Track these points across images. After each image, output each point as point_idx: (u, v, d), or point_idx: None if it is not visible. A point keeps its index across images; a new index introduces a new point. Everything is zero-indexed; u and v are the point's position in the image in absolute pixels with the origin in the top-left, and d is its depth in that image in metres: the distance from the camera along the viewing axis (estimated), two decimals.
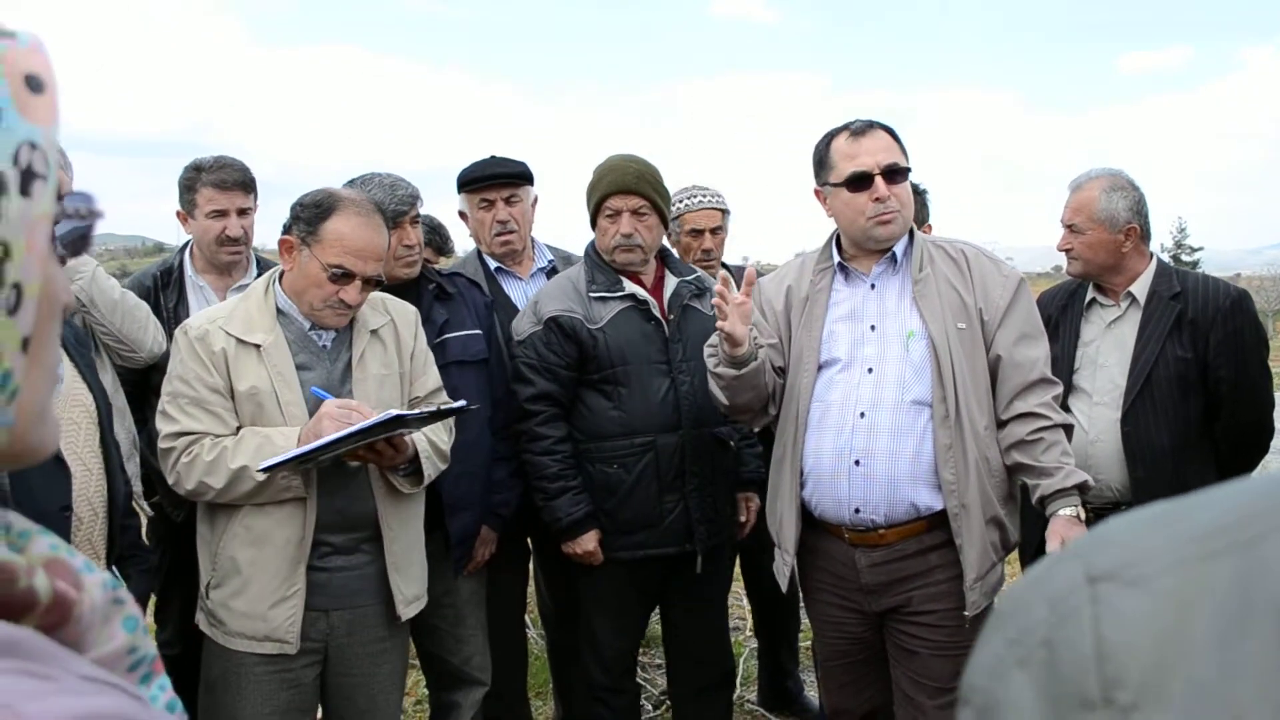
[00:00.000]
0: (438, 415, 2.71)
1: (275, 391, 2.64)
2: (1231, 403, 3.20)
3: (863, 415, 2.72)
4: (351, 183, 3.18)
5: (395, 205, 3.13)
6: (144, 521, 3.36)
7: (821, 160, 2.88)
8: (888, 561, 2.75)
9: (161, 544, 3.48)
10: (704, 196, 4.03)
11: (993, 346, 2.74)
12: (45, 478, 2.16)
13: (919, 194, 3.81)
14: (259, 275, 3.35)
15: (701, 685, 3.53)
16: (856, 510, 2.72)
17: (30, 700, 0.46)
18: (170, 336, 2.99)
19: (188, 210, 3.51)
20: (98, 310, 3.11)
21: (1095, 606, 0.47)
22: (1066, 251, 3.35)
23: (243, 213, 3.52)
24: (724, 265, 4.11)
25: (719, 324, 2.68)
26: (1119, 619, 0.46)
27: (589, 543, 3.24)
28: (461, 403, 2.77)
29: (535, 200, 3.77)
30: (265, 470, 2.51)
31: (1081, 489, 2.64)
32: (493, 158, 3.74)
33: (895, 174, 2.77)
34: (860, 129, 2.82)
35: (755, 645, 4.63)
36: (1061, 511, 2.61)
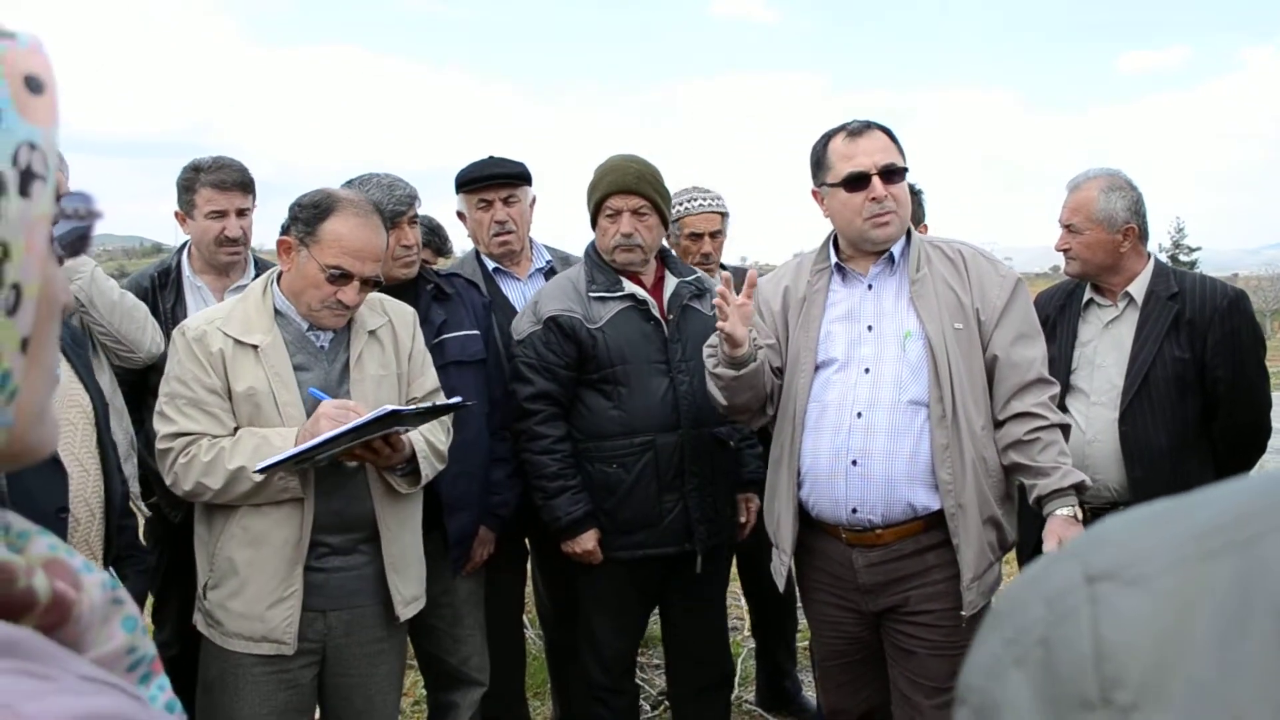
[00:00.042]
0: (434, 411, 2.70)
1: (273, 392, 2.63)
2: (1229, 403, 3.20)
3: (860, 415, 2.73)
4: (350, 183, 3.18)
5: (393, 205, 3.13)
6: (141, 522, 3.36)
7: (819, 161, 2.88)
8: (885, 561, 2.75)
9: (159, 545, 3.48)
10: (704, 200, 4.03)
11: (990, 346, 2.75)
12: (42, 479, 2.16)
13: (914, 194, 3.82)
14: (256, 276, 3.35)
15: (701, 685, 3.53)
16: (854, 510, 2.72)
17: (30, 700, 0.47)
18: (168, 337, 2.99)
19: (186, 211, 3.51)
20: (96, 311, 3.11)
21: (1093, 606, 0.46)
22: (1064, 251, 3.35)
23: (241, 213, 3.52)
24: (722, 266, 4.12)
25: (719, 324, 2.69)
26: (1117, 618, 0.46)
27: (588, 542, 3.24)
28: (457, 399, 2.77)
29: (533, 201, 3.77)
30: (262, 471, 2.51)
31: (1078, 489, 2.65)
32: (491, 158, 3.74)
33: (892, 174, 2.77)
34: (857, 129, 2.82)
35: (753, 645, 4.63)
36: (1059, 511, 2.61)
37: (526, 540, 3.78)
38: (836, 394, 2.77)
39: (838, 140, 2.83)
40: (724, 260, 4.21)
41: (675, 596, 3.46)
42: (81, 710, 0.48)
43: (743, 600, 4.65)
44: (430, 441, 2.81)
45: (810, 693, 4.30)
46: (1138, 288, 3.28)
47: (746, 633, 4.68)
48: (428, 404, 2.75)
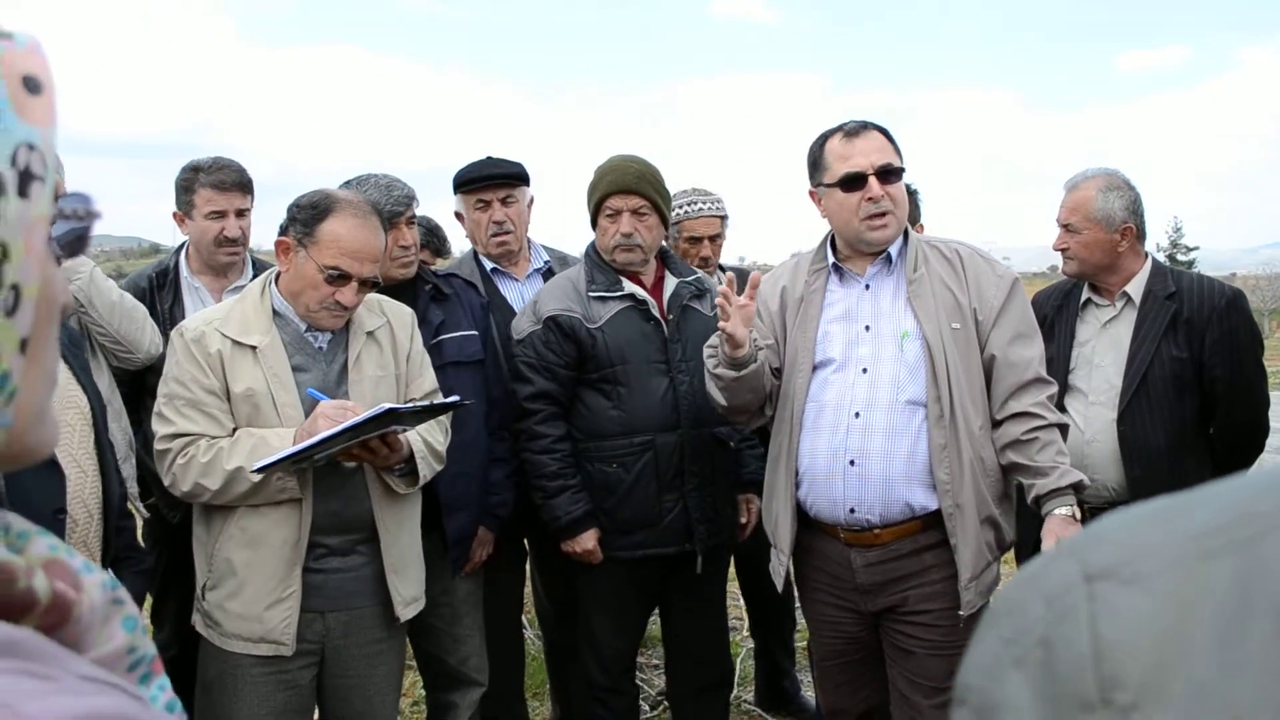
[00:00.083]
0: (431, 410, 2.71)
1: (271, 393, 2.63)
2: (1227, 402, 3.21)
3: (857, 415, 2.73)
4: (348, 184, 3.17)
5: (391, 206, 3.13)
6: (140, 523, 3.36)
7: (816, 161, 2.88)
8: (883, 561, 2.76)
9: (158, 545, 3.48)
10: (704, 203, 4.03)
11: (987, 346, 2.75)
12: (39, 480, 2.16)
13: (910, 194, 3.83)
14: (254, 277, 3.35)
15: (701, 685, 3.53)
16: (851, 510, 2.73)
17: (30, 700, 0.47)
18: (166, 338, 2.99)
19: (185, 211, 3.51)
20: (96, 311, 3.11)
21: (1092, 605, 0.46)
22: (1062, 251, 3.36)
23: (241, 214, 3.52)
24: (720, 267, 4.12)
25: (720, 325, 2.69)
26: (1117, 618, 0.45)
27: (588, 541, 3.25)
28: (455, 398, 2.77)
29: (531, 201, 3.78)
30: (260, 470, 2.51)
31: (1077, 488, 2.65)
32: (489, 158, 3.74)
33: (889, 174, 2.77)
34: (854, 130, 2.82)
35: (752, 645, 4.63)
36: (1057, 511, 2.62)
37: (525, 540, 3.78)
38: (834, 394, 2.77)
39: (834, 141, 2.83)
40: (722, 260, 4.21)
41: (675, 597, 3.46)
42: (82, 710, 0.48)
43: (741, 600, 4.65)
44: (428, 442, 2.81)
45: (809, 693, 4.30)
46: (1135, 287, 3.28)
47: (745, 633, 4.68)
48: (425, 403, 2.75)
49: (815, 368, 2.81)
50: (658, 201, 3.33)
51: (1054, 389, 2.79)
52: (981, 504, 2.69)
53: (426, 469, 2.80)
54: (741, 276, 3.24)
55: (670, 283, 3.40)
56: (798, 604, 3.44)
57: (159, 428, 2.65)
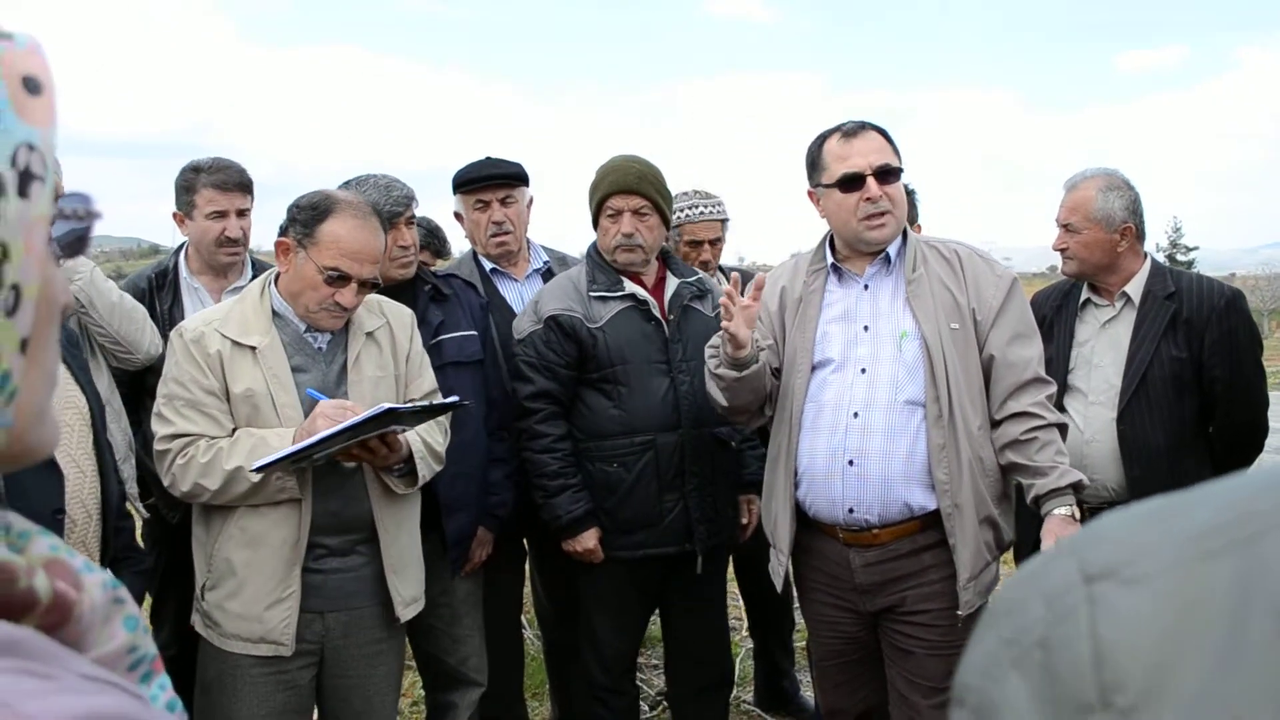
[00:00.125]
0: (431, 410, 2.71)
1: (271, 394, 2.63)
2: (1226, 402, 3.21)
3: (856, 415, 2.73)
4: (347, 184, 3.18)
5: (390, 206, 3.13)
6: (139, 523, 3.36)
7: (814, 162, 2.88)
8: (881, 561, 2.76)
9: (157, 546, 3.48)
10: (705, 207, 4.03)
11: (986, 346, 2.75)
12: (38, 481, 2.16)
13: (908, 194, 3.83)
14: (254, 277, 3.36)
15: (701, 686, 3.53)
16: (850, 510, 2.73)
17: (31, 699, 0.47)
18: (166, 338, 2.99)
19: (186, 211, 3.51)
20: (96, 312, 3.11)
21: (1092, 606, 0.46)
22: (1062, 251, 3.36)
23: (242, 214, 3.53)
24: (720, 268, 4.12)
25: (724, 325, 2.69)
26: (1116, 619, 0.45)
27: (589, 540, 3.25)
28: (454, 398, 2.77)
29: (531, 201, 3.78)
30: (259, 470, 2.51)
31: (1076, 488, 2.65)
32: (488, 159, 3.74)
33: (887, 174, 2.77)
34: (852, 130, 2.83)
35: (751, 645, 4.63)
36: (1056, 511, 2.62)
37: (524, 540, 3.78)
38: (833, 394, 2.77)
39: (833, 141, 2.84)
40: (722, 261, 4.21)
41: (675, 597, 3.46)
42: (83, 709, 0.48)
43: (739, 600, 4.65)
44: (427, 442, 2.81)
45: (809, 692, 4.30)
46: (1135, 287, 3.28)
47: (744, 633, 4.68)
48: (424, 403, 2.75)
49: (814, 368, 2.82)
50: (659, 202, 3.33)
51: (1053, 389, 2.79)
52: (980, 504, 2.69)
53: (426, 469, 2.80)
54: (745, 278, 3.25)
55: (671, 283, 3.40)
56: (797, 604, 3.44)
57: (158, 428, 2.65)
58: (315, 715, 2.90)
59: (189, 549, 2.79)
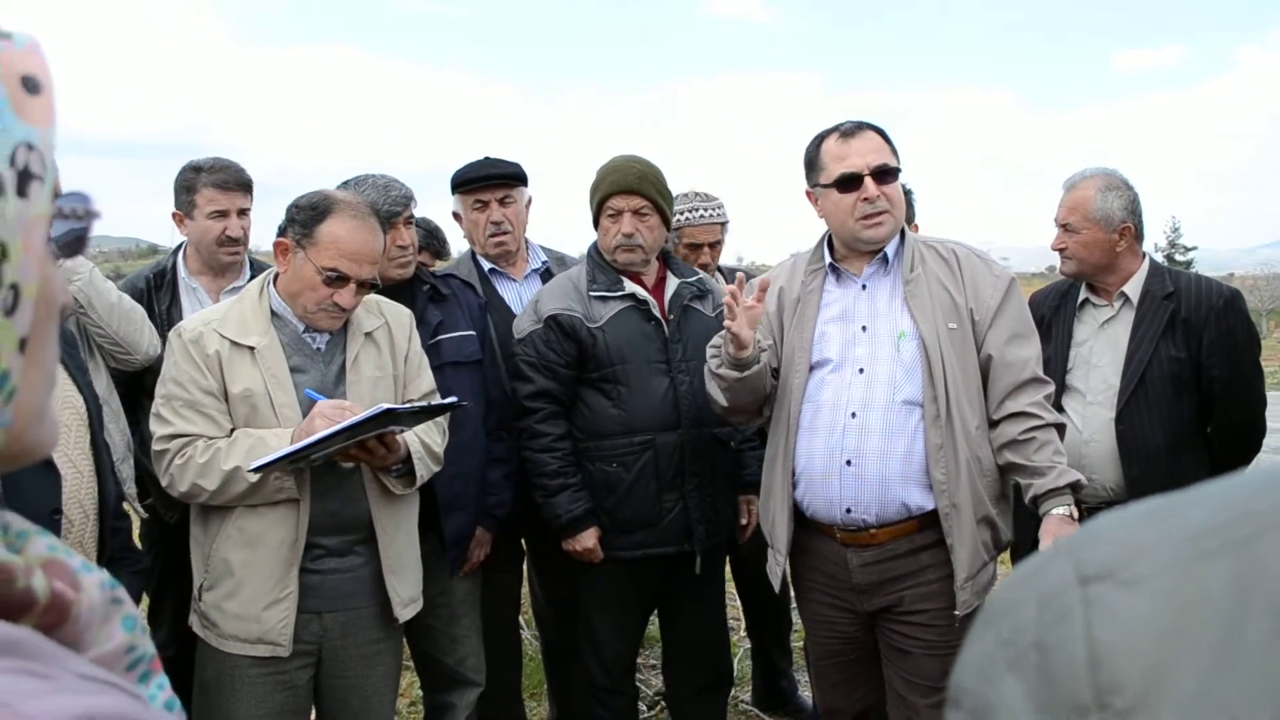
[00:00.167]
0: (429, 411, 2.71)
1: (269, 394, 2.63)
2: (1225, 402, 3.21)
3: (854, 415, 2.73)
4: (345, 184, 3.18)
5: (389, 206, 3.13)
6: (137, 523, 3.36)
7: (812, 162, 2.89)
8: (879, 561, 2.76)
9: (155, 546, 3.48)
10: (705, 210, 4.03)
11: (984, 346, 2.75)
12: (35, 481, 2.16)
13: (905, 194, 3.83)
14: (252, 277, 3.36)
15: (700, 686, 3.54)
16: (848, 510, 2.73)
17: (29, 699, 0.47)
18: (164, 339, 2.99)
19: (186, 211, 3.51)
20: (95, 313, 3.11)
21: (1088, 608, 0.46)
22: (1060, 251, 3.36)
23: (242, 213, 3.54)
24: (719, 269, 4.12)
25: (726, 324, 2.69)
26: (1113, 620, 0.45)
27: (588, 540, 3.25)
28: (452, 399, 2.77)
29: (529, 201, 3.77)
30: (257, 470, 2.50)
31: (1074, 488, 2.65)
32: (486, 159, 3.74)
33: (885, 174, 2.78)
34: (850, 130, 2.83)
35: (749, 645, 4.63)
36: (1054, 511, 2.62)
37: (522, 541, 3.78)
38: (831, 394, 2.77)
39: (830, 141, 2.84)
40: (721, 261, 4.21)
41: (675, 597, 3.46)
42: (81, 709, 0.48)
43: (737, 600, 4.65)
44: (426, 443, 2.81)
45: (807, 692, 4.30)
46: (1133, 287, 3.29)
47: (742, 633, 4.68)
48: (423, 404, 2.75)
49: (812, 368, 2.82)
50: (659, 202, 3.33)
51: (1051, 389, 2.79)
52: (978, 504, 2.69)
53: (424, 470, 2.79)
54: (745, 277, 3.24)
55: (672, 283, 3.41)
56: (794, 604, 3.44)
57: (156, 428, 2.65)
58: (313, 715, 2.90)
59: (187, 549, 2.79)
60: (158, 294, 3.51)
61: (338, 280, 2.63)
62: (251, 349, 2.65)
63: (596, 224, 3.40)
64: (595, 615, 3.41)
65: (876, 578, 2.77)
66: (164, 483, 2.66)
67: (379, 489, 2.74)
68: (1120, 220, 3.25)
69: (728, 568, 4.00)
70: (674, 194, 3.60)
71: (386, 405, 2.49)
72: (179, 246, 3.65)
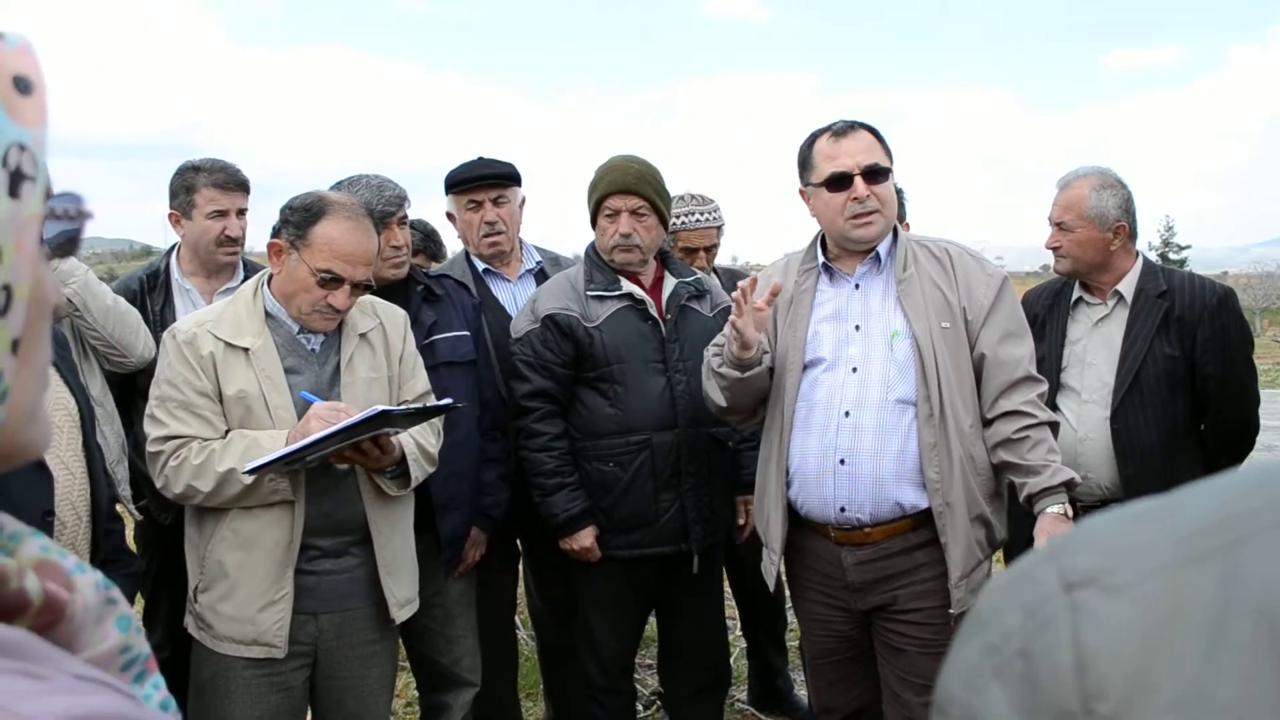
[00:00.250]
0: (424, 413, 2.70)
1: (264, 395, 2.63)
2: (1219, 400, 3.22)
3: (847, 414, 2.73)
4: (339, 184, 3.18)
5: (383, 206, 3.13)
6: (132, 525, 3.35)
7: (804, 161, 2.89)
8: (874, 560, 2.76)
9: (150, 548, 3.47)
10: (701, 214, 4.03)
11: (977, 345, 2.75)
12: (27, 482, 2.15)
13: (896, 193, 3.83)
14: (245, 278, 3.35)
15: (698, 686, 3.54)
16: (842, 509, 2.73)
17: (24, 699, 0.47)
18: (157, 340, 2.98)
19: (184, 211, 3.51)
20: (90, 316, 3.11)
21: (1073, 614, 0.46)
22: (1054, 249, 3.37)
23: (241, 213, 3.54)
24: (715, 270, 4.13)
25: (733, 319, 2.69)
26: (1098, 627, 0.45)
27: (586, 539, 3.25)
28: (448, 400, 2.77)
29: (523, 201, 3.77)
30: (252, 471, 2.50)
31: (1068, 486, 2.66)
32: (480, 159, 3.74)
33: (876, 174, 2.78)
34: (842, 130, 2.83)
35: (744, 645, 4.63)
36: (1049, 509, 2.62)
37: (518, 541, 3.78)
38: (824, 393, 2.78)
39: (822, 140, 2.84)
40: (716, 262, 4.22)
41: (673, 597, 3.46)
42: (77, 709, 0.48)
43: (732, 599, 4.65)
44: (420, 444, 2.80)
45: (803, 691, 4.30)
46: (1127, 286, 3.30)
47: (738, 632, 4.69)
48: (418, 405, 2.74)
49: (805, 367, 2.82)
50: (657, 202, 3.33)
51: (1044, 387, 2.80)
52: (972, 502, 2.69)
53: (418, 471, 2.79)
54: (734, 277, 3.24)
55: (669, 283, 3.41)
56: (789, 602, 3.44)
57: (151, 429, 2.65)
58: (309, 717, 2.90)
59: (181, 551, 2.78)
60: (151, 295, 3.51)
61: (332, 282, 2.63)
62: (246, 350, 2.64)
63: (594, 223, 3.40)
64: (592, 615, 3.41)
65: (871, 576, 2.77)
66: (158, 484, 2.65)
67: (374, 490, 2.73)
68: (1114, 219, 3.26)
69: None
70: (671, 194, 3.60)
71: (382, 407, 2.49)
72: (172, 247, 3.65)
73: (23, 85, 0.60)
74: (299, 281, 2.65)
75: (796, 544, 2.89)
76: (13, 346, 0.60)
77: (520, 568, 3.94)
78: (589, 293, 3.29)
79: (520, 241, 3.81)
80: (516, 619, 4.11)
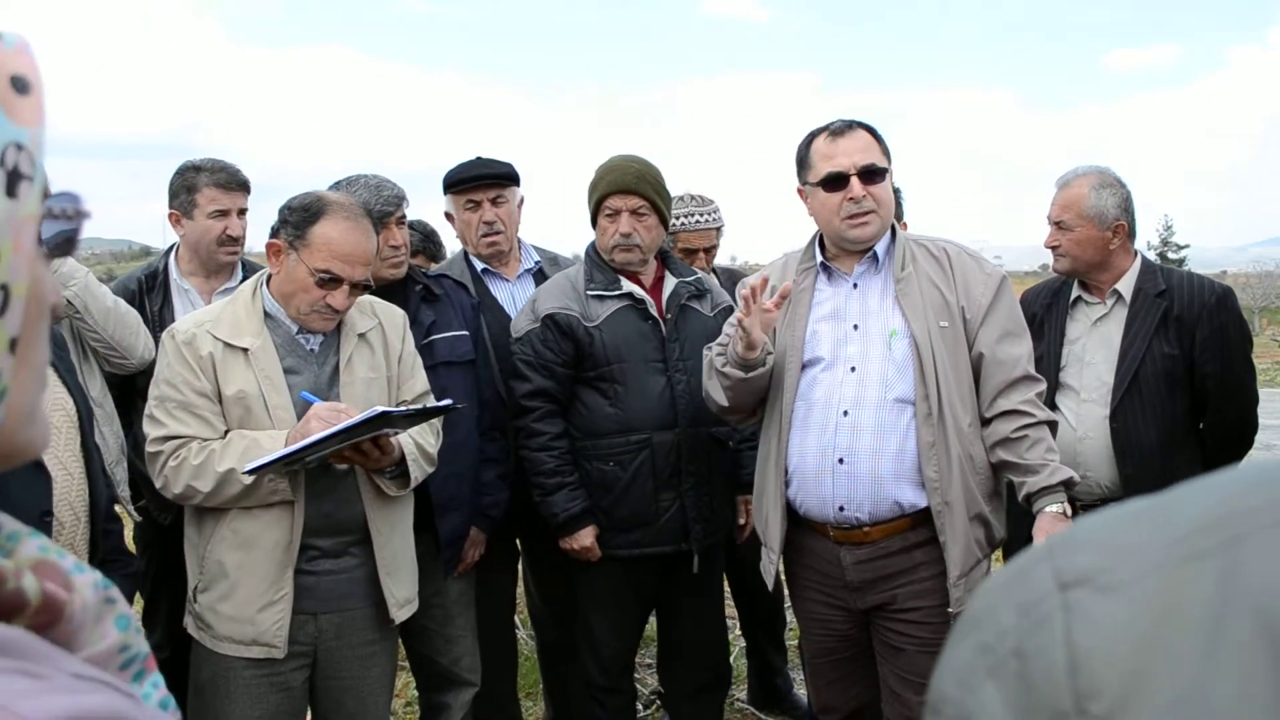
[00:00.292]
0: (424, 413, 2.70)
1: (263, 395, 2.63)
2: (1217, 399, 3.22)
3: (846, 414, 2.73)
4: (337, 184, 3.18)
5: (381, 206, 3.13)
6: (131, 525, 3.35)
7: (802, 160, 2.89)
8: (872, 559, 2.76)
9: (149, 548, 3.47)
10: (700, 216, 4.03)
11: (975, 344, 2.75)
12: (25, 483, 2.15)
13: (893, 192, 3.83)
14: (244, 279, 3.35)
15: (699, 686, 3.54)
16: (841, 508, 2.73)
17: (23, 699, 0.47)
18: (156, 340, 2.98)
19: (185, 211, 3.51)
20: (91, 317, 3.11)
21: (1067, 614, 0.46)
22: (1053, 248, 3.37)
23: (242, 213, 3.55)
24: (714, 270, 4.13)
25: (739, 318, 2.69)
26: (1092, 626, 0.45)
27: (586, 538, 3.25)
28: (447, 401, 2.77)
29: (521, 201, 3.77)
30: (251, 472, 2.50)
31: (1067, 485, 2.66)
32: (478, 159, 3.74)
33: (873, 174, 2.78)
34: (839, 129, 2.83)
35: (744, 644, 4.63)
36: (1048, 508, 2.63)
37: (517, 541, 3.78)
38: (823, 392, 2.78)
39: (820, 140, 2.85)
40: (715, 262, 4.22)
41: (674, 597, 3.46)
42: (75, 708, 0.48)
43: (730, 599, 4.66)
44: (419, 444, 2.80)
45: (802, 690, 4.31)
46: (1126, 285, 3.30)
47: (737, 631, 4.69)
48: (418, 406, 2.74)
49: (804, 366, 2.82)
50: (657, 202, 3.33)
51: (1043, 386, 2.80)
52: (970, 501, 2.70)
53: (418, 471, 2.79)
54: (725, 276, 3.23)
55: (669, 282, 3.41)
56: (788, 602, 3.44)
57: (150, 430, 2.65)
58: (308, 717, 2.90)
59: (181, 551, 2.78)
60: (150, 295, 3.51)
61: (330, 282, 2.63)
62: (245, 350, 2.64)
63: (594, 223, 3.40)
64: (593, 615, 3.41)
65: (870, 575, 2.77)
66: (158, 485, 2.65)
67: (373, 490, 2.74)
68: (1113, 218, 3.26)
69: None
70: (671, 194, 3.61)
71: (382, 408, 2.49)
72: (170, 248, 3.65)
73: (20, 85, 0.60)
74: (298, 281, 2.65)
75: (795, 543, 2.89)
76: (11, 346, 0.61)
77: (520, 567, 3.94)
78: (589, 292, 3.29)
79: (519, 241, 3.82)
80: (516, 619, 4.11)
